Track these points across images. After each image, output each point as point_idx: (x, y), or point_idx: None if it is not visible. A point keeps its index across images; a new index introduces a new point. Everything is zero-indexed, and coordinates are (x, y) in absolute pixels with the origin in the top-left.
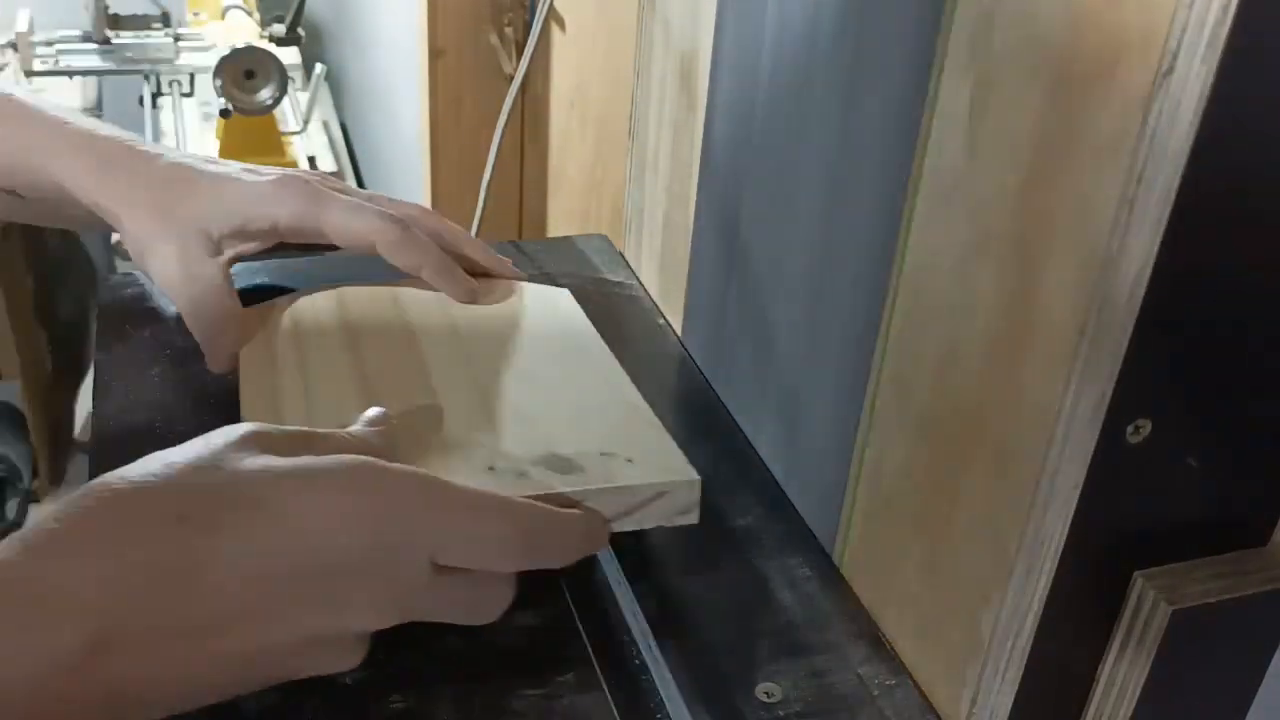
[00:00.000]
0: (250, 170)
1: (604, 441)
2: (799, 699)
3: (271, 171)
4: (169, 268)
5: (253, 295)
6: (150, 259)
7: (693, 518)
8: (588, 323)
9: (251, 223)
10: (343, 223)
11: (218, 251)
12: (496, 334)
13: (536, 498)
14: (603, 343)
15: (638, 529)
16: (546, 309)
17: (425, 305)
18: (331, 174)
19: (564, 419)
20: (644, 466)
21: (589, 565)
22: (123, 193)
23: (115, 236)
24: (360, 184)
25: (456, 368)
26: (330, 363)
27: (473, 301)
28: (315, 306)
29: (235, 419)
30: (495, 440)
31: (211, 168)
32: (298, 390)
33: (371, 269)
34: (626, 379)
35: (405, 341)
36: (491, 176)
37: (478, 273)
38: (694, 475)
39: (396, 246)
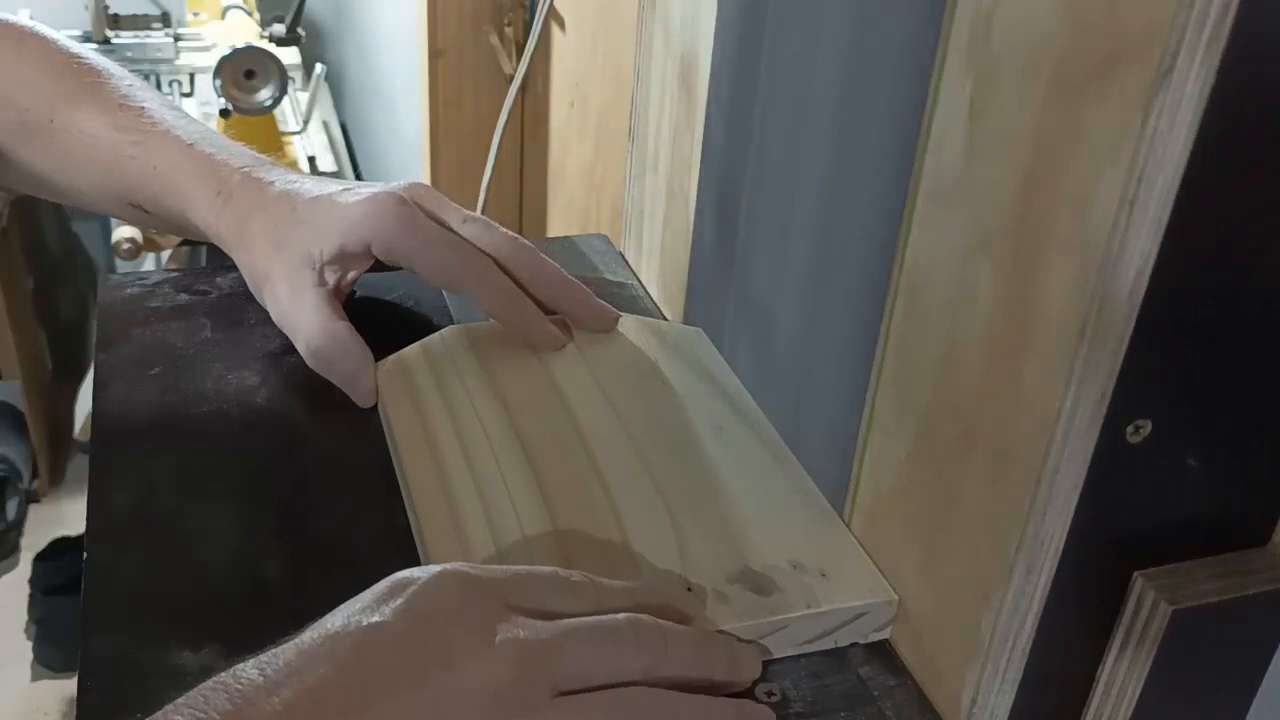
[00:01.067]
0: (349, 190)
1: (793, 549)
2: (799, 699)
3: (368, 190)
4: (280, 303)
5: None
6: (265, 295)
7: (885, 634)
8: (738, 383)
9: (349, 246)
10: (431, 261)
11: (322, 281)
12: (652, 401)
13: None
14: (759, 410)
15: (830, 648)
16: (692, 361)
17: (565, 358)
18: (332, 173)
19: (746, 519)
20: (840, 582)
21: None
22: (238, 228)
23: (115, 236)
24: None
25: (623, 453)
26: (496, 452)
27: (558, 349)
28: (452, 357)
29: (236, 420)
30: (683, 550)
31: (314, 191)
32: (473, 501)
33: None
34: (795, 461)
35: (559, 412)
36: (491, 176)
37: (561, 312)
38: (893, 595)
39: (476, 290)
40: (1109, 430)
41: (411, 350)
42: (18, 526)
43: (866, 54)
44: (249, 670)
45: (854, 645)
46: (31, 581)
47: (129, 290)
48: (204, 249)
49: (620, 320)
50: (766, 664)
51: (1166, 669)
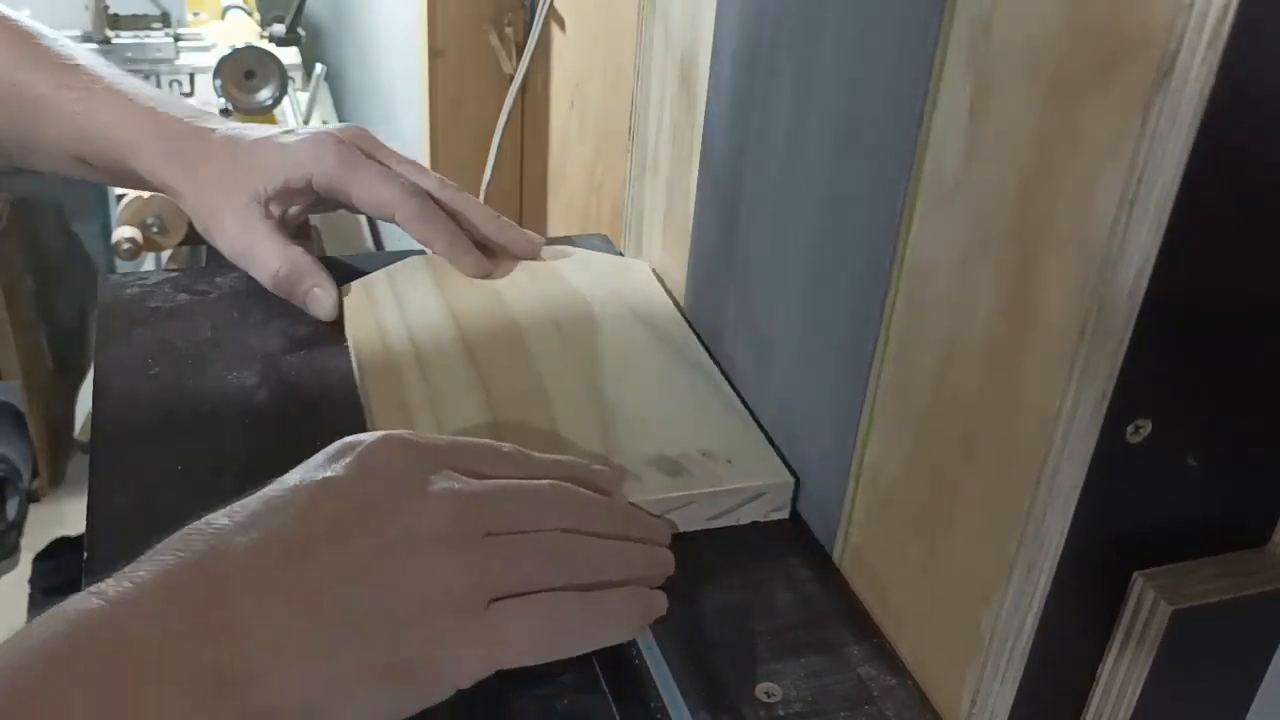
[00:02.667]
0: (289, 132)
1: (704, 441)
2: (799, 699)
3: (307, 131)
4: (231, 237)
5: None
6: (215, 233)
7: (784, 514)
8: (670, 305)
9: (291, 182)
10: (368, 190)
11: (269, 214)
12: (591, 321)
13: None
14: (689, 329)
15: (732, 524)
16: (632, 287)
17: (520, 286)
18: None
19: (665, 418)
20: (743, 468)
21: None
22: (185, 174)
23: (115, 236)
24: None
25: (560, 358)
26: (445, 354)
27: (486, 277)
28: (413, 278)
29: (236, 420)
30: (606, 437)
31: (255, 133)
32: (421, 393)
33: None
34: (717, 372)
35: (504, 325)
36: (491, 176)
37: (493, 248)
38: (789, 478)
39: (414, 219)
40: (1109, 430)
41: (376, 274)
42: (18, 526)
43: (867, 54)
44: (220, 518)
45: (853, 645)
46: (31, 581)
47: (129, 290)
48: (204, 249)
49: (571, 254)
50: (767, 664)
51: (1166, 669)
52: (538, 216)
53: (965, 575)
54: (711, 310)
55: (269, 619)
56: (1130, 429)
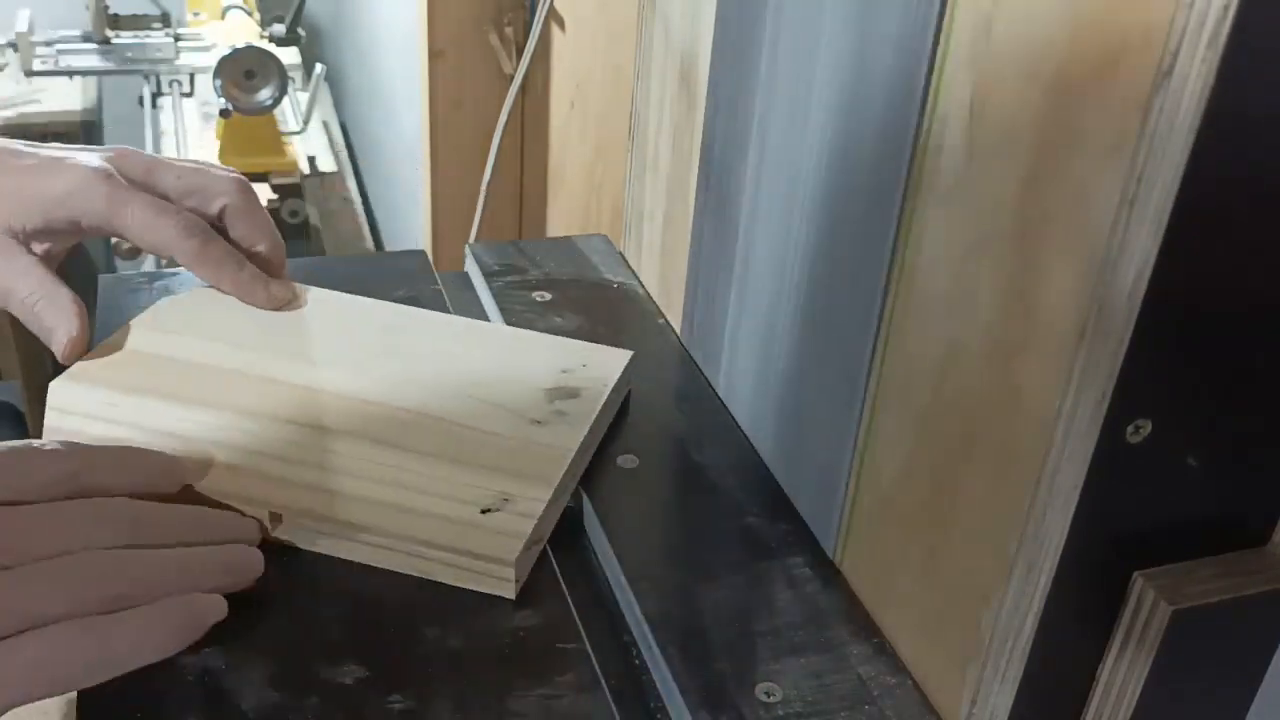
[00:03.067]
0: (55, 160)
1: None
2: (799, 699)
3: (72, 161)
4: None
5: None
6: None
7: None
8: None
9: (54, 224)
10: (141, 230)
11: (29, 250)
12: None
13: None
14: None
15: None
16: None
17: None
18: (331, 174)
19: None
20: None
21: (590, 564)
22: None
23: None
24: (360, 184)
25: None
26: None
27: (276, 308)
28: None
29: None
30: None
31: (15, 161)
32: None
33: None
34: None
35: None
36: (491, 176)
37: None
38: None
39: (193, 261)
40: (1109, 430)
41: (160, 305)
42: None
43: (866, 54)
44: None
45: (853, 645)
46: None
47: (129, 290)
48: None
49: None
50: (767, 664)
51: (1166, 669)
52: (538, 216)
53: (965, 575)
54: (712, 310)
55: None
56: (1130, 429)
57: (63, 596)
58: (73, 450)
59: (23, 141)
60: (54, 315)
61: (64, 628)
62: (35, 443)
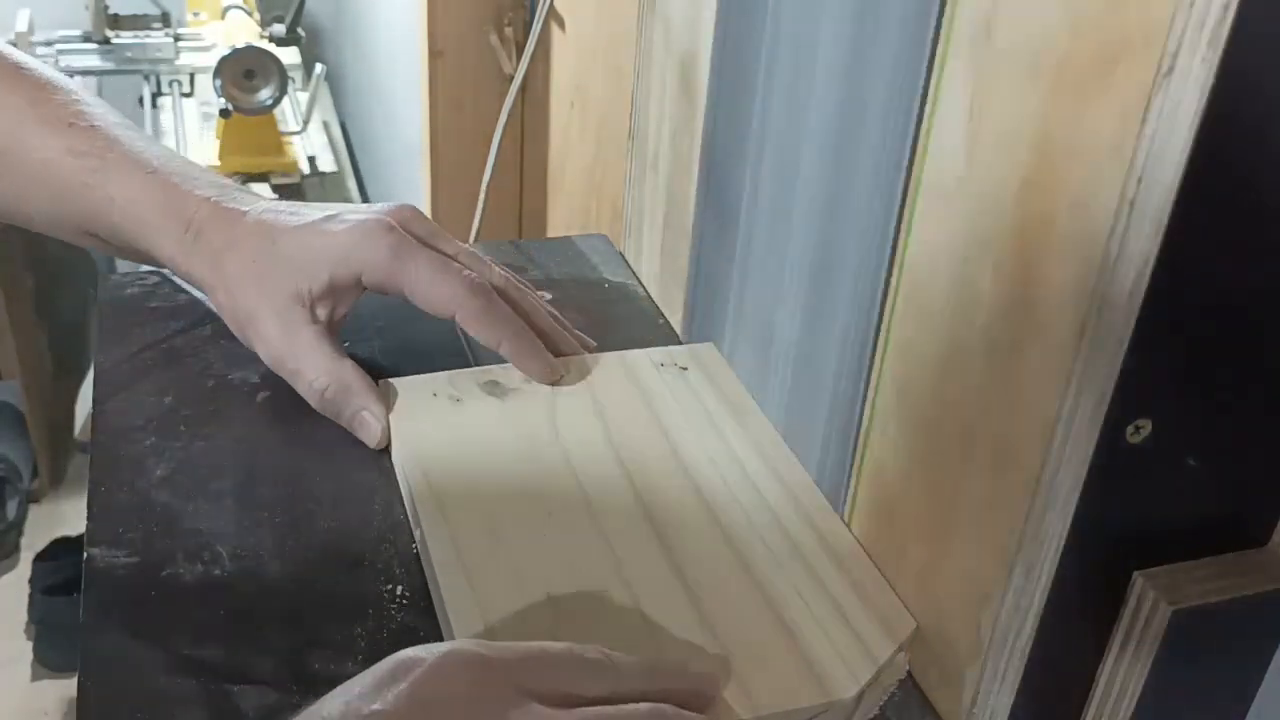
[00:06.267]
0: (331, 217)
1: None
2: None
3: (354, 216)
4: (270, 343)
5: None
6: (253, 338)
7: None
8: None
9: (338, 280)
10: (425, 287)
11: (315, 318)
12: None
13: None
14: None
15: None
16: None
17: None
18: (332, 174)
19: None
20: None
21: None
22: (212, 267)
23: None
24: (360, 184)
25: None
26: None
27: (554, 383)
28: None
29: (236, 420)
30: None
31: (292, 220)
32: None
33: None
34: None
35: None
36: (491, 176)
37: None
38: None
39: (476, 319)
40: (1109, 430)
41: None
42: (18, 526)
43: (866, 54)
44: None
45: None
46: (31, 581)
47: (129, 290)
48: None
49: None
50: None
51: (1166, 669)
52: (538, 217)
53: (965, 575)
54: (712, 310)
55: None
56: (1130, 429)
57: None
58: (616, 666)
59: (295, 203)
60: (349, 405)
61: None
62: (578, 648)
